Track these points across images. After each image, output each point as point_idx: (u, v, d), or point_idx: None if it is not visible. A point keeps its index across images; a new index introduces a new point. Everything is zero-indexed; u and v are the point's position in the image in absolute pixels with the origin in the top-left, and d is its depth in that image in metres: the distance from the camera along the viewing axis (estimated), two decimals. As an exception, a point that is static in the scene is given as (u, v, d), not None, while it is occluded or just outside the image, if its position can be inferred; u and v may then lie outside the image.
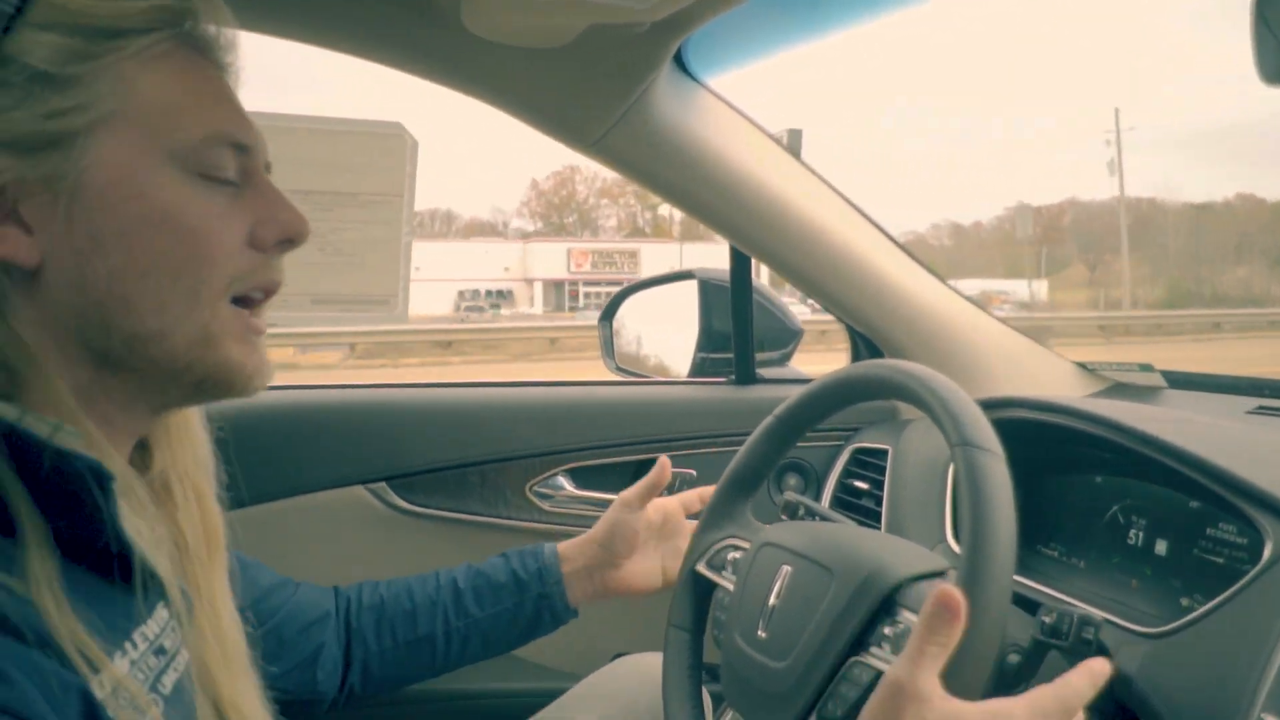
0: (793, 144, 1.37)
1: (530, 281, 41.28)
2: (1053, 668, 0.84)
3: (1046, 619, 0.78)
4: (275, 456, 1.44)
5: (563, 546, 1.07)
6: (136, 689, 0.58)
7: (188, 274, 0.63)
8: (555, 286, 41.63)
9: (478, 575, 1.05)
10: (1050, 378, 1.50)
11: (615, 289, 2.00)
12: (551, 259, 42.25)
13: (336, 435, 1.48)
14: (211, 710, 0.69)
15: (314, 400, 1.53)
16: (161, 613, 0.65)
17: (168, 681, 0.63)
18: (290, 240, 0.69)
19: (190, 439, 0.74)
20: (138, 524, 0.61)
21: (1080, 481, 1.14)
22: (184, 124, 0.63)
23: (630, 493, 1.07)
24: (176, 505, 0.71)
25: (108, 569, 0.60)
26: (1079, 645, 0.75)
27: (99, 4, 0.60)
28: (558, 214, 71.28)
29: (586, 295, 40.09)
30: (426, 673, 1.04)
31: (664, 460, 1.08)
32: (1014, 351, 1.51)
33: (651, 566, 1.09)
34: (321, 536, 1.46)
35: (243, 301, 0.68)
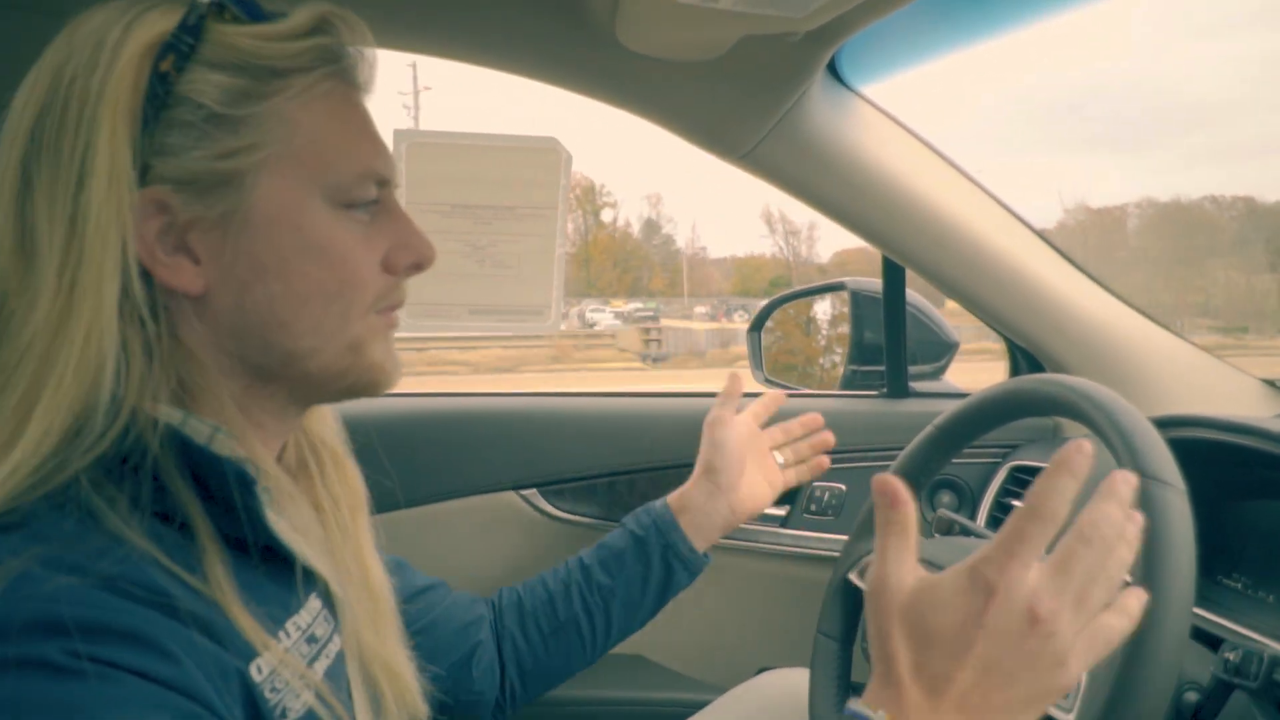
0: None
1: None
2: (1238, 708, 0.78)
3: (1230, 656, 0.72)
4: (432, 461, 1.50)
5: (672, 496, 1.09)
6: (296, 664, 0.62)
7: (340, 298, 0.66)
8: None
9: (601, 548, 1.07)
10: (1231, 395, 1.41)
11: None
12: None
13: (491, 441, 1.52)
14: (362, 678, 0.72)
15: (471, 407, 1.58)
16: (314, 602, 0.69)
17: (319, 668, 0.66)
18: (419, 265, 0.72)
19: (320, 409, 0.78)
20: (288, 518, 0.65)
21: (1269, 508, 1.06)
22: (339, 163, 0.66)
23: (715, 413, 1.10)
24: (314, 474, 0.75)
25: (263, 563, 0.63)
26: (1270, 687, 0.70)
27: (266, 45, 0.62)
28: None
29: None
30: (580, 658, 1.04)
31: (735, 375, 1.12)
32: (1190, 367, 1.42)
33: (757, 482, 1.11)
34: (474, 539, 1.51)
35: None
